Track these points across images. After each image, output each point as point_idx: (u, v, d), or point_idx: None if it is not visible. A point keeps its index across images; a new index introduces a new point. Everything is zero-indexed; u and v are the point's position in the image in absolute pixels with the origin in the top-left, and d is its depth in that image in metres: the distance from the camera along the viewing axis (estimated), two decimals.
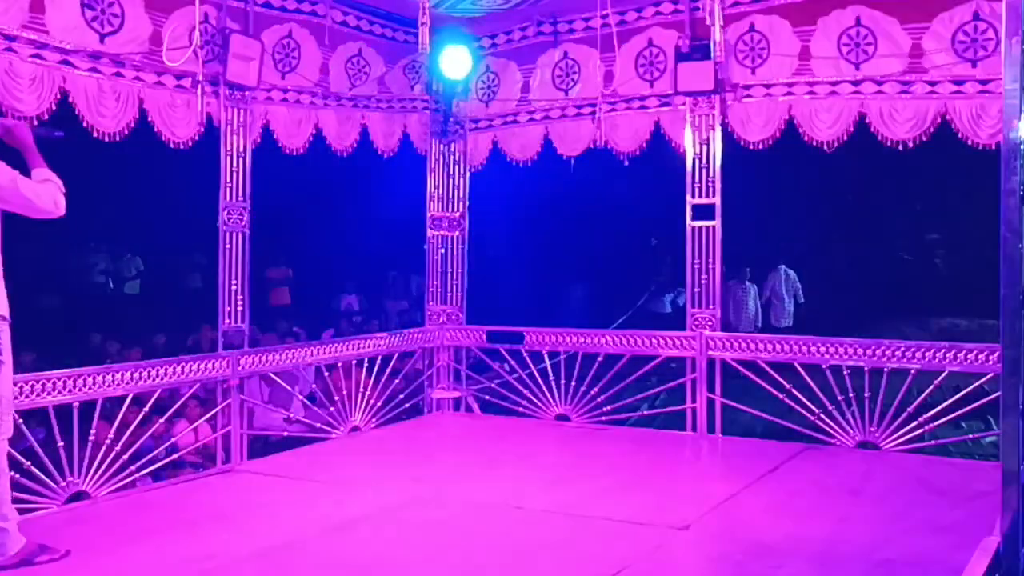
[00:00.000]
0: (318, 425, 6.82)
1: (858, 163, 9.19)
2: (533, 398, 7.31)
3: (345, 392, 6.87)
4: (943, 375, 5.95)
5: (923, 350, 6.07)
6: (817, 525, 4.53)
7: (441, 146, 7.72)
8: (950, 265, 13.38)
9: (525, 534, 4.47)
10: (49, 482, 4.89)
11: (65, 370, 5.04)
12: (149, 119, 5.51)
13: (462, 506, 4.97)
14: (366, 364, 7.03)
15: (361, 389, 6.95)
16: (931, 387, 6.01)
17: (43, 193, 3.91)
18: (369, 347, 7.13)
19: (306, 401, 7.37)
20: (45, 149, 4.10)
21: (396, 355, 7.46)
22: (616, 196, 13.26)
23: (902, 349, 6.13)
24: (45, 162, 4.03)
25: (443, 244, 7.77)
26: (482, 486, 5.37)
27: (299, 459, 6.24)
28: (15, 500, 4.66)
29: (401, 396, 7.39)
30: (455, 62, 7.10)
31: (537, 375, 7.28)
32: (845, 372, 6.19)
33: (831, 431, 6.25)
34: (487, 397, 7.66)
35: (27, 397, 4.80)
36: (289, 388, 7.05)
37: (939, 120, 5.93)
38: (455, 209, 7.78)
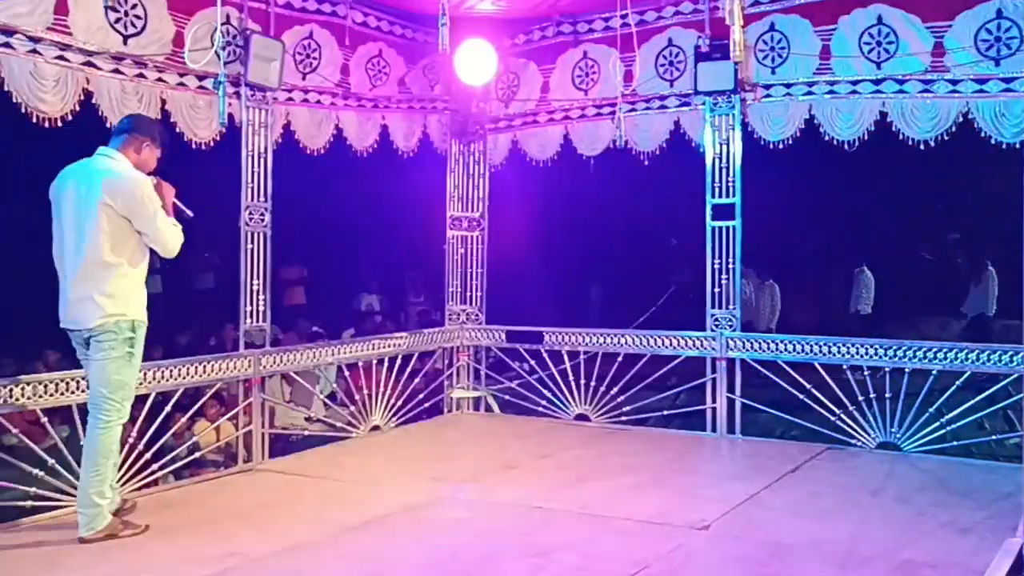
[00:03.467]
0: (339, 424, 6.86)
1: (879, 162, 9.12)
2: (553, 398, 7.32)
3: (366, 391, 6.90)
4: (965, 375, 5.91)
5: (945, 350, 6.02)
6: (838, 526, 4.52)
7: (460, 146, 7.74)
8: (972, 265, 13.23)
9: (545, 534, 4.47)
10: (73, 480, 4.93)
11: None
12: (171, 120, 5.56)
13: (482, 505, 4.99)
14: (386, 363, 7.07)
15: (381, 388, 6.99)
16: (953, 388, 5.97)
17: (165, 231, 4.43)
18: (389, 346, 7.16)
19: (327, 400, 7.41)
20: None
21: (416, 354, 7.49)
22: (635, 196, 13.23)
23: (924, 349, 6.08)
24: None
25: (463, 244, 7.79)
26: (502, 485, 5.38)
27: (320, 458, 6.27)
28: (42, 498, 4.76)
29: (421, 395, 7.42)
30: (475, 62, 7.12)
31: (557, 375, 7.29)
32: (866, 372, 6.16)
33: (852, 432, 6.23)
34: (507, 397, 7.69)
35: (51, 396, 4.86)
36: (310, 387, 7.09)
37: (961, 119, 5.89)
38: (475, 209, 7.79)
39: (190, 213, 4.66)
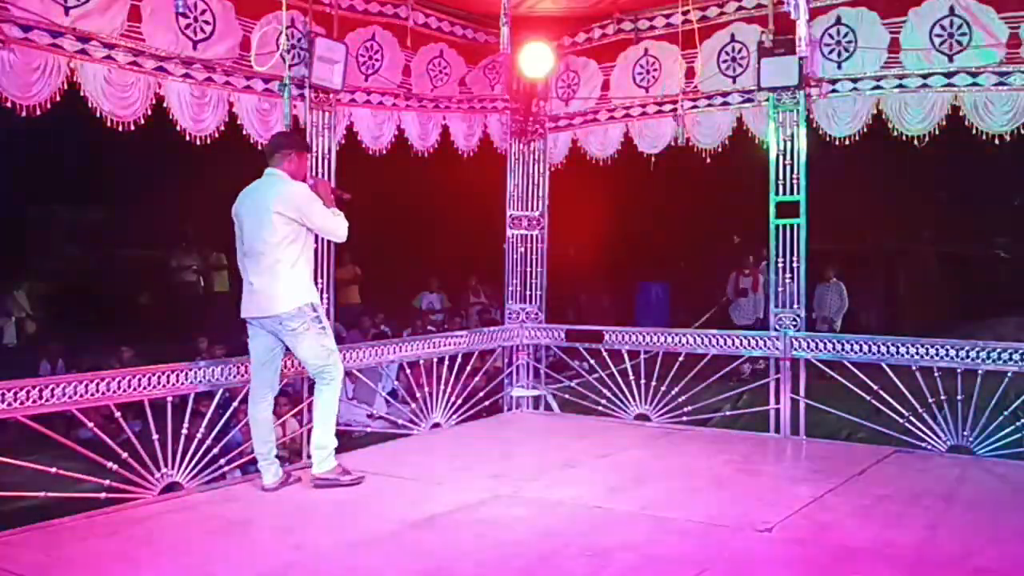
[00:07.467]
0: (400, 421, 6.93)
1: (952, 156, 8.87)
2: (613, 397, 7.29)
3: (427, 389, 6.96)
4: None
5: (1020, 351, 5.82)
6: (906, 531, 4.41)
7: (521, 145, 7.76)
8: None
9: (604, 534, 4.45)
10: (145, 473, 5.09)
11: (159, 365, 5.24)
12: (238, 122, 5.69)
13: (541, 504, 4.99)
14: (447, 362, 7.12)
15: (442, 386, 7.04)
16: None
17: (331, 223, 5.15)
18: (450, 345, 7.21)
19: (388, 398, 7.50)
20: None
21: (476, 353, 7.52)
22: (697, 193, 13.10)
23: (998, 350, 5.90)
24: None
25: (523, 243, 7.80)
26: (561, 485, 5.38)
27: (381, 455, 6.34)
28: (115, 490, 4.91)
29: (481, 394, 7.46)
30: (535, 62, 7.12)
31: (617, 374, 7.25)
32: (937, 374, 6.00)
33: (922, 434, 6.08)
34: (566, 396, 7.68)
35: (124, 391, 5.01)
36: (373, 385, 7.18)
37: None
38: (535, 208, 7.80)
39: (348, 196, 5.37)
